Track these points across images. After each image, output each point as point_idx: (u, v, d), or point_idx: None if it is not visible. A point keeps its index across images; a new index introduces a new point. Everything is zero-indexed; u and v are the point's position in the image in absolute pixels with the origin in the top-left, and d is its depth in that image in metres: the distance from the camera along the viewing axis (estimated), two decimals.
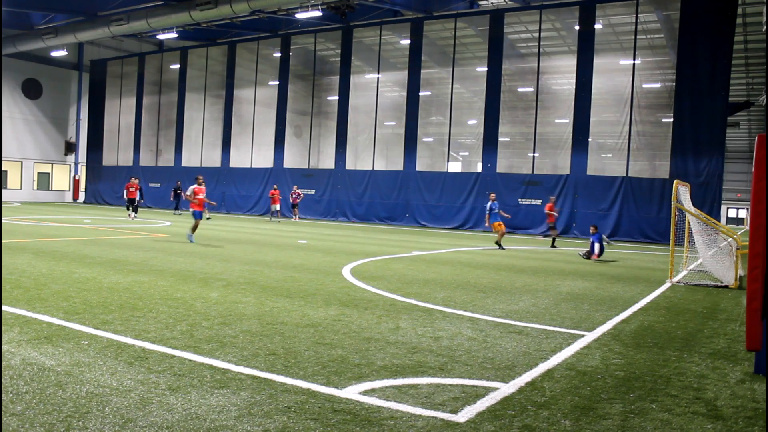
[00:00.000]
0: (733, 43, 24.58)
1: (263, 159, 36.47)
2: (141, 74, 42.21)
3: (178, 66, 40.31)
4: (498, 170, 29.03)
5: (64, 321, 6.63)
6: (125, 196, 26.77)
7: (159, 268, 11.21)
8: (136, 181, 27.34)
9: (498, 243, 18.91)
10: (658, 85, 28.41)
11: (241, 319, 7.14)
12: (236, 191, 36.23)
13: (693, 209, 14.43)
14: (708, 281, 12.23)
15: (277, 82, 35.85)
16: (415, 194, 30.77)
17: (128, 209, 26.46)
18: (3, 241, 14.54)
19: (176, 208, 34.29)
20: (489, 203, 18.78)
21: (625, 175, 25.97)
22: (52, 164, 45.81)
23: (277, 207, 30.36)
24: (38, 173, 45.14)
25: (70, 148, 46.03)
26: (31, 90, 43.80)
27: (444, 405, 4.53)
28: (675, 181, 12.99)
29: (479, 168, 30.35)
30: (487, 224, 18.91)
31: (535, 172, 28.41)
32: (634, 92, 25.98)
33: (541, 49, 28.77)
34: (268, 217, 31.26)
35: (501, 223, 18.91)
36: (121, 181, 42.15)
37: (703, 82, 24.19)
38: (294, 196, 31.23)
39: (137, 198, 26.68)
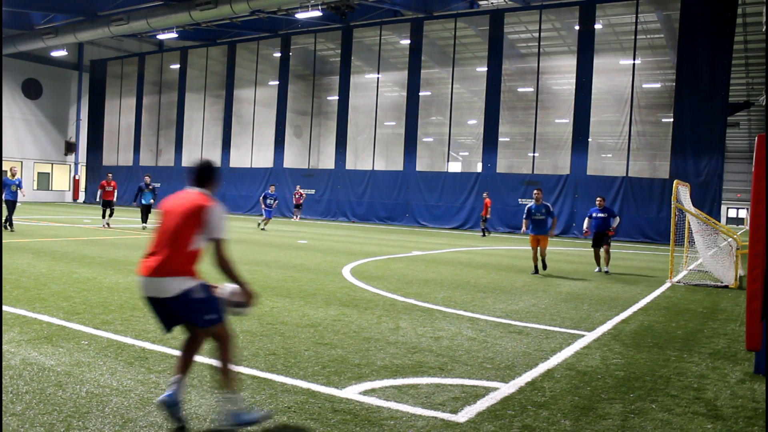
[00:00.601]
0: (733, 43, 24.58)
1: (263, 159, 36.47)
2: (141, 74, 42.22)
3: (178, 66, 40.32)
4: (498, 170, 29.03)
5: (64, 321, 6.63)
6: (99, 197, 21.48)
7: None
8: (110, 177, 22.19)
9: (543, 261, 12.97)
10: (658, 85, 28.42)
11: (240, 319, 7.14)
12: (236, 191, 36.24)
13: (693, 209, 14.44)
14: (708, 281, 12.23)
15: (277, 82, 35.85)
16: (415, 194, 30.77)
17: (104, 215, 21.02)
18: (3, 241, 14.54)
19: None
20: (531, 204, 13.11)
21: (625, 175, 25.97)
22: (52, 164, 45.80)
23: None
24: (38, 173, 45.13)
25: (70, 148, 46.03)
26: (31, 90, 43.80)
27: (444, 405, 4.53)
28: (675, 181, 12.99)
29: (479, 168, 30.36)
30: (524, 230, 13.12)
31: (535, 172, 28.41)
32: (634, 92, 25.99)
33: (541, 49, 28.77)
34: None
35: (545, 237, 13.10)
36: (121, 182, 42.19)
37: (703, 82, 24.19)
38: (297, 196, 31.20)
39: (113, 200, 21.54)
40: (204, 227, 3.91)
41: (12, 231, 17.31)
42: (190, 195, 4.03)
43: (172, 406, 3.87)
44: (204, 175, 4.13)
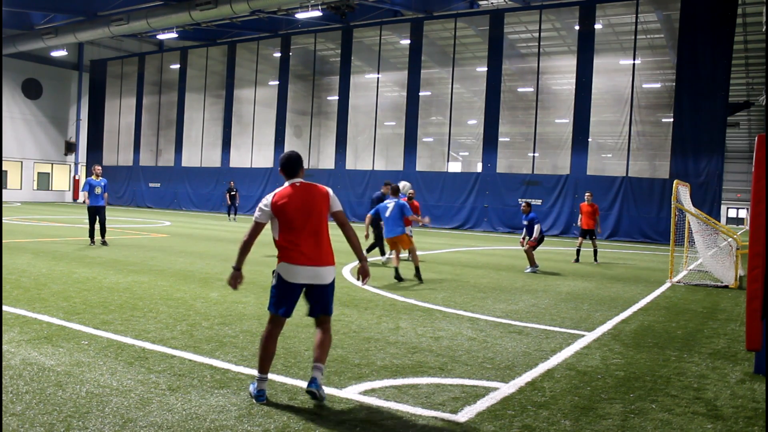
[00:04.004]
0: (733, 43, 24.56)
1: (263, 159, 36.47)
2: (141, 74, 42.22)
3: (178, 66, 40.31)
4: (498, 170, 29.02)
5: (64, 321, 6.63)
6: None
7: (159, 268, 11.21)
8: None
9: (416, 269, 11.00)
10: (658, 85, 28.41)
11: (241, 319, 7.15)
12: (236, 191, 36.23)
13: (693, 209, 14.43)
14: (708, 281, 12.23)
15: (277, 82, 35.85)
16: (415, 194, 30.75)
17: None
18: (3, 241, 14.53)
19: (231, 213, 30.11)
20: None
21: (625, 175, 25.96)
22: (52, 164, 45.80)
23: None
24: (38, 173, 45.13)
25: (70, 148, 46.03)
26: (31, 90, 43.80)
27: (444, 405, 4.53)
28: (675, 181, 12.99)
29: (479, 168, 30.34)
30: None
31: (535, 172, 28.41)
32: (634, 92, 25.97)
33: (541, 49, 28.77)
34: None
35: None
36: (122, 181, 42.19)
37: (703, 82, 24.18)
38: None
39: None
40: (329, 208, 4.65)
41: (103, 244, 14.55)
42: (308, 186, 4.64)
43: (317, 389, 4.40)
44: (297, 164, 4.69)
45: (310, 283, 4.52)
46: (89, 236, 14.70)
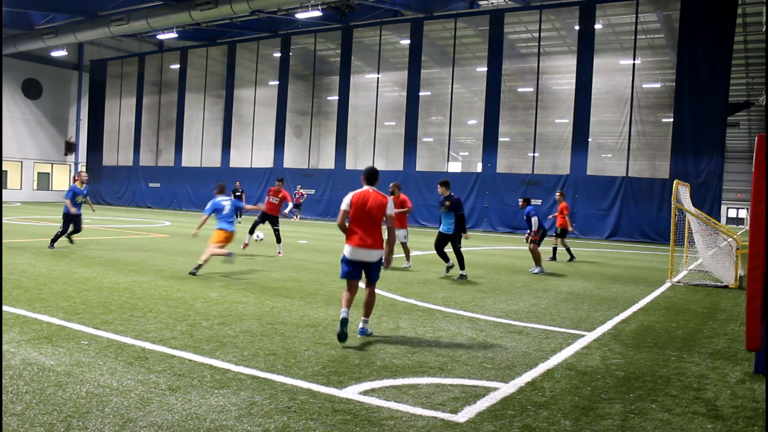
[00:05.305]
0: (733, 43, 24.55)
1: (263, 159, 36.47)
2: (141, 74, 42.20)
3: (178, 66, 40.30)
4: (498, 170, 29.02)
5: (64, 321, 6.63)
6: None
7: (159, 268, 11.21)
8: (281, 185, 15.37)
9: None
10: (658, 85, 28.41)
11: (241, 319, 7.15)
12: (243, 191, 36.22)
13: (693, 209, 14.43)
14: (708, 281, 12.22)
15: (277, 82, 35.84)
16: (415, 194, 30.72)
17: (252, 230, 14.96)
18: (3, 241, 14.53)
19: (238, 215, 28.68)
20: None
21: (625, 175, 25.96)
22: (52, 164, 45.80)
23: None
24: (38, 173, 45.12)
25: (70, 148, 46.02)
26: (31, 90, 43.78)
27: (444, 405, 4.53)
28: (675, 181, 12.99)
29: (479, 168, 30.33)
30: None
31: (535, 172, 28.40)
32: (634, 92, 25.96)
33: (541, 49, 28.76)
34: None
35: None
36: (121, 181, 42.20)
37: (703, 82, 24.17)
38: (297, 196, 31.19)
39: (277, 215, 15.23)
40: (385, 211, 6.49)
41: (52, 248, 13.22)
42: (375, 193, 6.48)
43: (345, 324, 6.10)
44: (375, 176, 6.64)
45: (364, 260, 6.37)
46: (53, 239, 13.50)
